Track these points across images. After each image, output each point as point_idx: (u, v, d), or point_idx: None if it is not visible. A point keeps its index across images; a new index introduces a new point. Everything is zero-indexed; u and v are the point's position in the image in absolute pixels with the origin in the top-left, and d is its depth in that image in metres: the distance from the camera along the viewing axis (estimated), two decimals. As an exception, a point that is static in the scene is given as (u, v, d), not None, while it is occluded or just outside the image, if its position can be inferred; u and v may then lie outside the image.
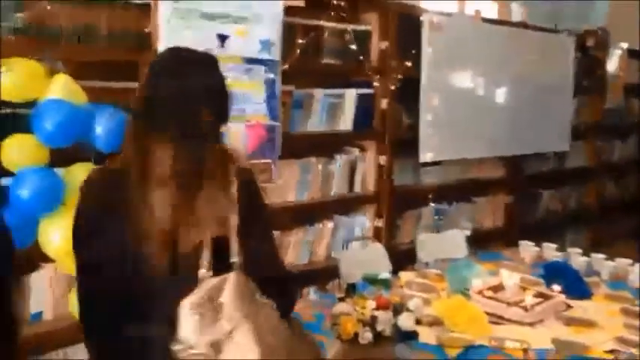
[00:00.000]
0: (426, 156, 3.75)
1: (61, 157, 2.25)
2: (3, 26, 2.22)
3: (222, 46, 2.77)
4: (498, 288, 2.36)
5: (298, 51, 3.11)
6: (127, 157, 1.51)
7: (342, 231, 3.46)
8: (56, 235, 2.18)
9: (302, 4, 3.02)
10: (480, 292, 2.32)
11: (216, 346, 1.34)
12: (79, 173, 2.22)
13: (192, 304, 1.35)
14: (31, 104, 2.18)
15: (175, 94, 1.49)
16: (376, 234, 3.56)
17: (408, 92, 3.63)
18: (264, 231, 1.58)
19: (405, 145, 3.66)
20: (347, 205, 3.54)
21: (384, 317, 1.84)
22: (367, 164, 3.59)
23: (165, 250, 1.42)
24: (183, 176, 1.45)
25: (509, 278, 2.35)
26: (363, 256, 2.99)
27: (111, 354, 1.47)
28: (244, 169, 1.61)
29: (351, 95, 3.46)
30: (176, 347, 1.35)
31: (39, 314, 2.43)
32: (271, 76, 2.96)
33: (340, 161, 3.49)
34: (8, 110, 2.23)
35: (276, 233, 3.18)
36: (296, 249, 3.31)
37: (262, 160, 2.98)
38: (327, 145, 3.47)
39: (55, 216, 2.19)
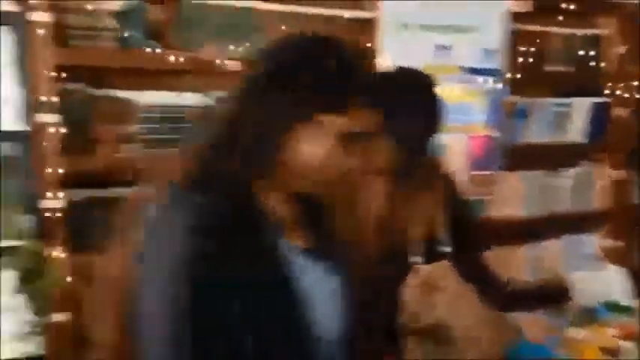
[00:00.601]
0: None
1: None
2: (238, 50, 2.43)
3: (442, 56, 2.74)
4: None
5: (521, 59, 2.98)
6: None
7: (573, 250, 3.22)
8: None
9: (529, 9, 2.87)
10: None
11: (440, 322, 1.60)
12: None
13: (415, 285, 1.60)
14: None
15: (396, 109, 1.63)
16: (611, 256, 3.25)
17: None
18: (467, 233, 1.74)
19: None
20: (578, 222, 3.27)
21: (629, 348, 1.65)
22: (601, 179, 3.29)
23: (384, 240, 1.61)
24: (402, 178, 1.66)
25: None
26: (599, 278, 2.73)
27: None
28: (447, 176, 1.83)
29: (581, 104, 3.21)
30: (403, 321, 1.61)
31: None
32: (494, 85, 2.86)
33: (569, 175, 3.25)
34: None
35: (499, 248, 3.07)
36: (521, 266, 3.15)
37: (483, 172, 2.88)
38: (554, 157, 3.24)
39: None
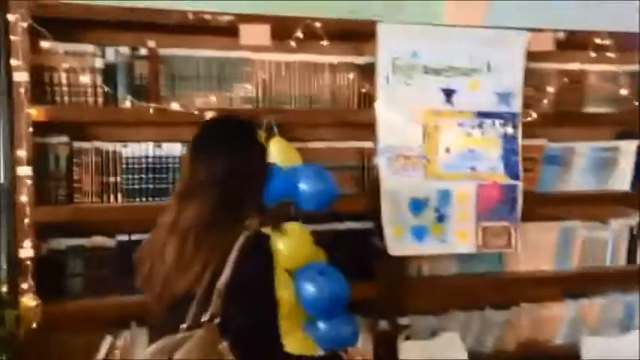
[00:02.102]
0: None
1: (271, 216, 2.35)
2: (231, 96, 2.48)
3: (449, 101, 2.61)
4: None
5: (547, 101, 2.76)
6: None
7: (617, 310, 2.89)
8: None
9: (550, 48, 2.66)
10: None
11: None
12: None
13: (149, 352, 1.33)
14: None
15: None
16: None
17: None
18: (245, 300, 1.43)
19: None
20: (625, 279, 2.92)
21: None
22: (653, 230, 2.93)
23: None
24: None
25: None
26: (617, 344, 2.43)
27: None
28: (258, 234, 1.53)
29: (629, 148, 2.89)
30: None
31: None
32: (509, 130, 2.66)
33: (616, 226, 2.92)
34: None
35: (528, 305, 2.83)
36: (555, 325, 2.87)
37: (499, 223, 2.68)
38: (596, 207, 2.94)
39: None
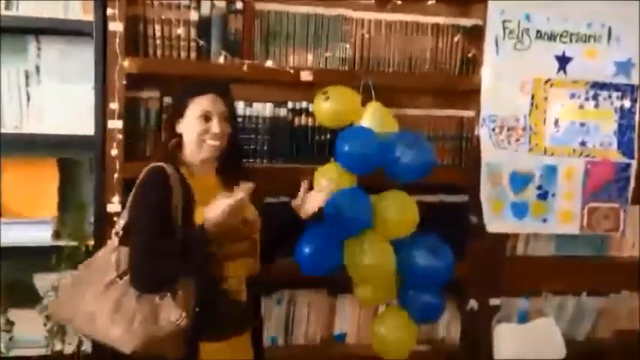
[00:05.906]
0: None
1: (373, 183, 2.20)
2: (327, 56, 2.34)
3: (562, 69, 2.39)
4: None
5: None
6: None
7: None
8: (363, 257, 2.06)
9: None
10: None
11: None
12: (388, 201, 2.12)
13: None
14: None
15: None
16: None
17: None
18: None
19: None
20: None
21: None
22: None
23: None
24: None
25: None
26: None
27: None
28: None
29: None
30: None
31: (343, 336, 2.49)
32: (627, 103, 2.44)
33: None
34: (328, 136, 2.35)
35: (626, 293, 2.64)
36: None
37: (607, 205, 2.47)
38: None
39: (361, 238, 2.12)
